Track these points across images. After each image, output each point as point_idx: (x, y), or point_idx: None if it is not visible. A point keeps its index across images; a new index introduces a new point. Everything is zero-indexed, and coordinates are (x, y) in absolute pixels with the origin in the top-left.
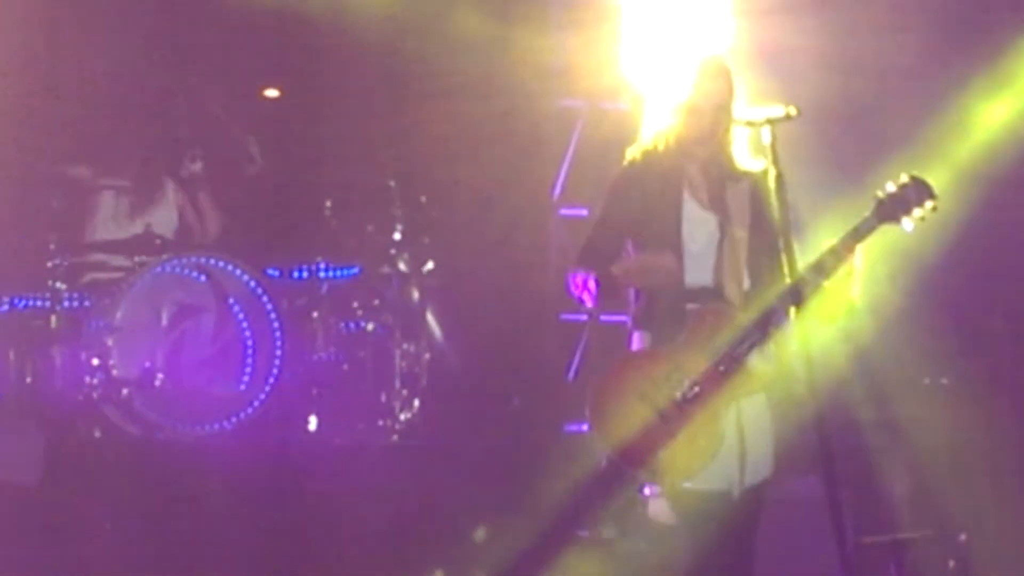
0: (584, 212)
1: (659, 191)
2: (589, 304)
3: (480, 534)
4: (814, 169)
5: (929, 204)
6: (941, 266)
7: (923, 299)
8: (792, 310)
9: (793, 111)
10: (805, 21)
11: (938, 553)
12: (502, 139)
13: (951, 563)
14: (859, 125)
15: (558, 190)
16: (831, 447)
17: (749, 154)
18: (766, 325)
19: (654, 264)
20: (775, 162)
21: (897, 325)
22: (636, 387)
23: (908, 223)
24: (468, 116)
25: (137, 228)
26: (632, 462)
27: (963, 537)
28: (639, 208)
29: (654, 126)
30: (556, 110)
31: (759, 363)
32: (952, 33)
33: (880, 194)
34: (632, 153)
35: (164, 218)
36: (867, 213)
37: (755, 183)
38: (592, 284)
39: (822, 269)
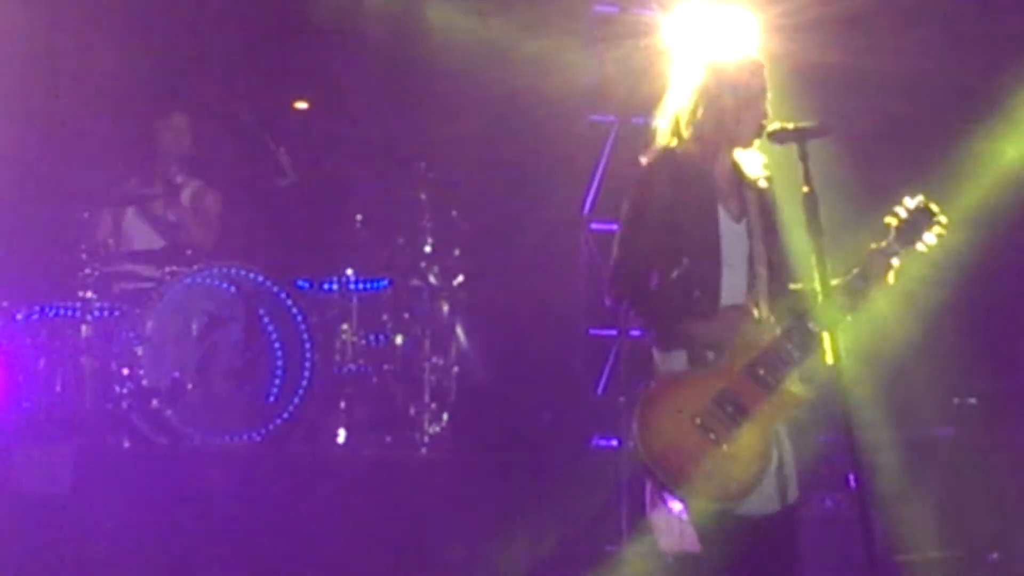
0: (615, 227)
1: (692, 197)
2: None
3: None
4: (846, 186)
5: (937, 229)
6: (970, 286)
7: (952, 319)
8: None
9: (826, 128)
10: (838, 38)
11: (969, 573)
12: (533, 153)
13: None
14: (892, 142)
15: (588, 205)
16: (863, 465)
17: (756, 164)
18: (803, 346)
19: (731, 328)
20: (807, 179)
21: (926, 345)
22: (687, 409)
23: (921, 246)
24: (499, 130)
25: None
26: (678, 482)
27: (995, 556)
28: (672, 217)
29: (676, 120)
30: (587, 125)
31: (797, 385)
32: (985, 51)
33: (894, 221)
34: (655, 153)
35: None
36: (887, 239)
37: (762, 193)
38: (653, 334)
39: (853, 293)
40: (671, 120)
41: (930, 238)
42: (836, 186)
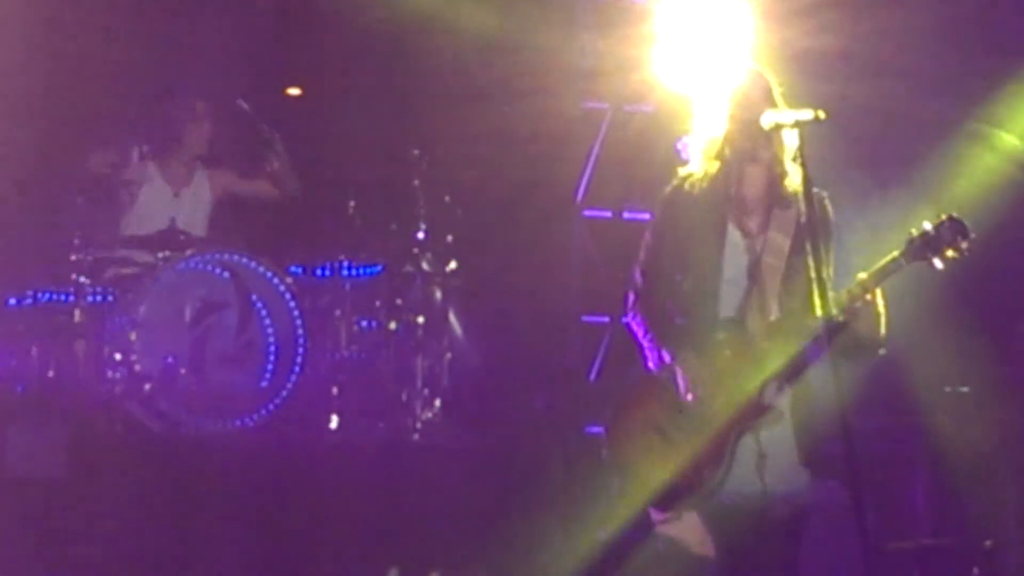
0: (608, 214)
1: (704, 214)
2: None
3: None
4: (841, 173)
5: (964, 244)
6: (964, 273)
7: (945, 306)
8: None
9: (821, 114)
10: (833, 24)
11: (962, 560)
12: (527, 140)
13: (975, 570)
14: (889, 128)
15: (581, 192)
16: (856, 453)
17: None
18: (798, 369)
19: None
20: (803, 165)
21: (919, 333)
22: (652, 417)
23: (939, 262)
24: (493, 116)
25: (162, 223)
26: (639, 487)
27: (988, 544)
28: (684, 236)
29: (700, 145)
30: (581, 112)
31: (766, 396)
32: (979, 34)
33: (914, 232)
34: (680, 175)
35: (194, 209)
36: (896, 252)
37: (802, 211)
38: (667, 357)
39: (845, 307)
40: (694, 149)
41: (951, 253)
42: (831, 171)
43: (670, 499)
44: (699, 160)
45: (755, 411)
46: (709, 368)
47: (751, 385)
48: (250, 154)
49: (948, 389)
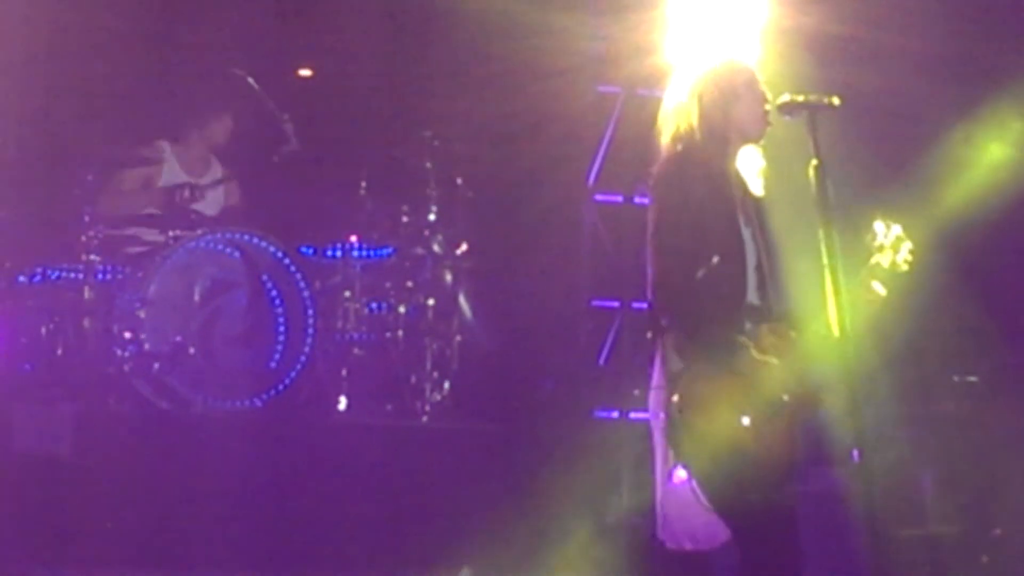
0: (619, 198)
1: (719, 197)
2: None
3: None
4: (856, 159)
5: (907, 248)
6: (971, 263)
7: (953, 296)
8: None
9: (836, 100)
10: (849, 10)
11: (970, 548)
12: (539, 124)
13: (984, 558)
14: (903, 116)
15: (593, 176)
16: (866, 440)
17: (754, 174)
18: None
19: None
20: (816, 151)
21: (928, 323)
22: (735, 409)
23: (903, 264)
24: (505, 99)
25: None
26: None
27: (997, 532)
28: (702, 216)
29: (689, 121)
30: (593, 96)
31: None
32: (991, 21)
33: (874, 241)
34: (675, 155)
35: (210, 198)
36: (874, 256)
37: (759, 204)
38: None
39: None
40: (684, 123)
41: (903, 256)
42: (846, 159)
43: (741, 487)
44: (697, 138)
45: (815, 399)
46: (763, 360)
47: (798, 373)
48: (264, 141)
49: (957, 378)
